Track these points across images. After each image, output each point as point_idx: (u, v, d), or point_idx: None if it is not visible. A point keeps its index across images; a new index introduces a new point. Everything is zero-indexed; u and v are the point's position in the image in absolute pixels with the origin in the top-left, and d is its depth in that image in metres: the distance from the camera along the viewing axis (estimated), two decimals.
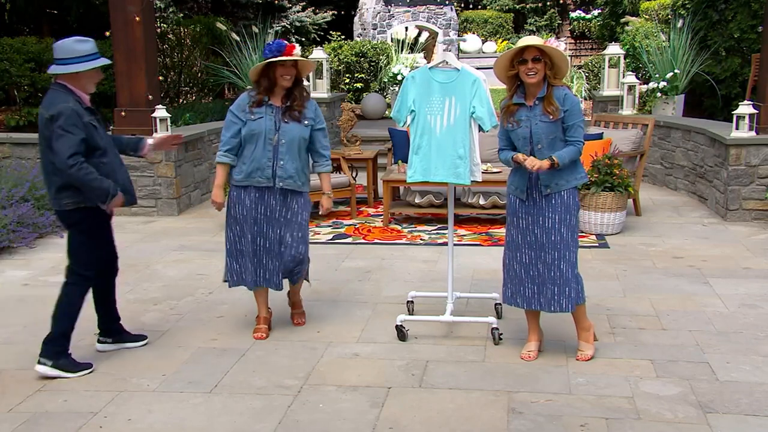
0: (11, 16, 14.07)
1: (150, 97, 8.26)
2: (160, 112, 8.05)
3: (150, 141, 4.56)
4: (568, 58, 4.29)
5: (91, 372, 4.23)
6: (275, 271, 4.60)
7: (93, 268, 4.28)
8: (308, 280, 4.88)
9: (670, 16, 12.95)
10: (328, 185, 4.78)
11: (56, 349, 4.18)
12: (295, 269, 4.64)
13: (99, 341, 4.55)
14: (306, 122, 4.52)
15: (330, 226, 7.57)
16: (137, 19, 8.11)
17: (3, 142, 8.43)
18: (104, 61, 4.17)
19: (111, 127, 9.21)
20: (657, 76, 10.78)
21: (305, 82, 4.65)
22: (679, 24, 10.92)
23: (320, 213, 4.91)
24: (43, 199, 7.52)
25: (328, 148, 4.69)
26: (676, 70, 10.56)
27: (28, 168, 7.76)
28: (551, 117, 4.03)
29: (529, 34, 18.84)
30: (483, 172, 5.10)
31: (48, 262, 6.51)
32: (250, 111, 4.46)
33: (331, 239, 7.06)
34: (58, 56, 4.09)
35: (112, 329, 4.55)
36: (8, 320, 5.08)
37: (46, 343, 4.19)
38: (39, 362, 4.15)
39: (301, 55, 4.57)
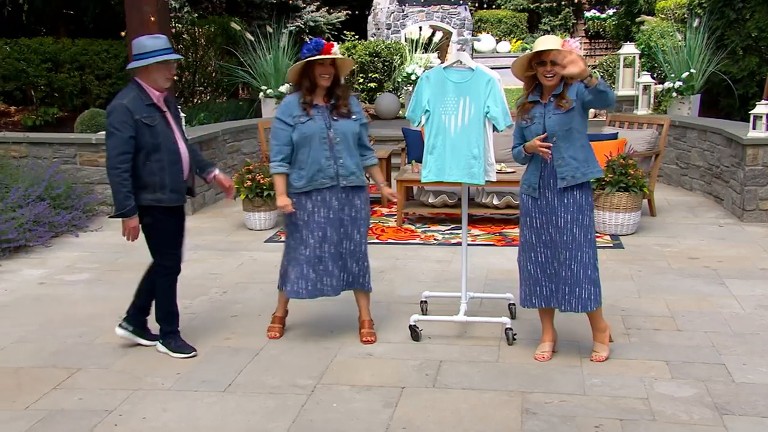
0: (29, 16, 14.18)
1: None
2: None
3: (217, 172, 4.61)
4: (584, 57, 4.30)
5: (193, 356, 4.41)
6: (339, 276, 4.51)
7: (169, 260, 4.46)
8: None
9: (686, 15, 12.85)
10: (382, 175, 4.75)
11: (165, 329, 4.49)
12: (364, 266, 4.55)
13: (120, 325, 4.60)
14: (354, 117, 4.46)
15: None
16: (152, 19, 8.15)
17: (20, 142, 8.49)
18: (166, 57, 4.20)
19: None
20: (673, 75, 10.70)
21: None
22: (696, 23, 10.83)
23: (394, 201, 4.90)
24: (59, 198, 7.58)
25: (368, 142, 4.66)
26: (692, 70, 10.48)
27: (44, 167, 7.81)
28: (563, 109, 4.03)
29: (543, 34, 18.77)
30: (497, 172, 5.08)
31: (64, 261, 6.55)
32: (305, 113, 4.35)
33: None
34: (133, 52, 4.22)
35: (137, 319, 4.62)
36: (24, 319, 5.12)
37: (157, 321, 4.51)
38: (159, 342, 4.51)
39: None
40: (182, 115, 8.19)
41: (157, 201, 4.27)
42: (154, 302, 4.53)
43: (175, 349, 4.44)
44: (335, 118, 4.40)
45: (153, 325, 4.77)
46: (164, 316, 4.50)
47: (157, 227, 4.36)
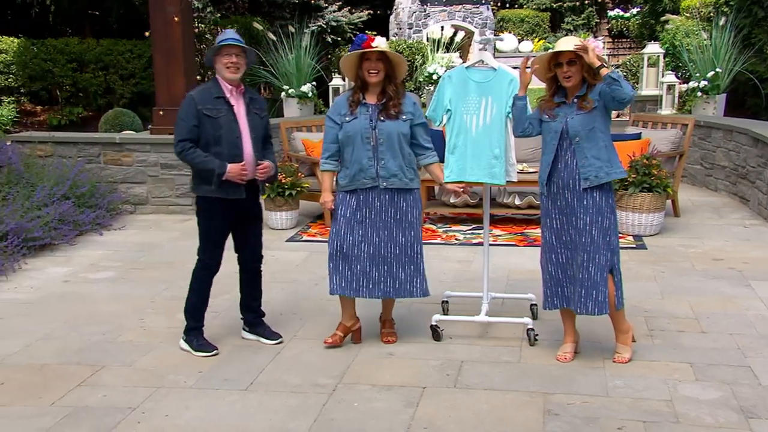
0: (55, 17, 14.34)
1: None
2: None
3: (267, 161, 4.50)
4: (606, 57, 4.27)
5: (215, 355, 4.43)
6: (380, 280, 4.40)
7: (207, 254, 4.46)
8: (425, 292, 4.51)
9: (712, 14, 12.70)
10: (442, 174, 4.55)
11: (188, 324, 4.52)
12: (413, 272, 4.42)
13: (243, 328, 4.73)
14: (404, 117, 4.34)
15: None
16: (176, 19, 8.22)
17: (45, 141, 8.60)
18: (218, 45, 4.27)
19: (149, 126, 9.35)
20: (698, 75, 10.58)
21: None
22: (722, 21, 10.70)
23: (452, 201, 4.78)
24: (83, 197, 7.66)
25: (430, 141, 4.49)
26: (717, 69, 10.35)
27: (69, 166, 7.89)
28: (585, 110, 4.01)
29: (566, 34, 18.64)
30: (518, 172, 5.05)
31: (88, 259, 6.62)
32: (349, 113, 4.33)
33: None
34: None
35: (245, 319, 4.71)
36: (49, 316, 5.18)
37: (184, 314, 4.54)
38: (182, 339, 4.55)
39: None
40: None
41: (211, 192, 4.30)
42: (190, 291, 4.53)
43: (197, 347, 4.47)
44: (382, 118, 4.32)
45: (170, 322, 4.81)
46: (191, 310, 4.52)
47: (205, 218, 4.40)
